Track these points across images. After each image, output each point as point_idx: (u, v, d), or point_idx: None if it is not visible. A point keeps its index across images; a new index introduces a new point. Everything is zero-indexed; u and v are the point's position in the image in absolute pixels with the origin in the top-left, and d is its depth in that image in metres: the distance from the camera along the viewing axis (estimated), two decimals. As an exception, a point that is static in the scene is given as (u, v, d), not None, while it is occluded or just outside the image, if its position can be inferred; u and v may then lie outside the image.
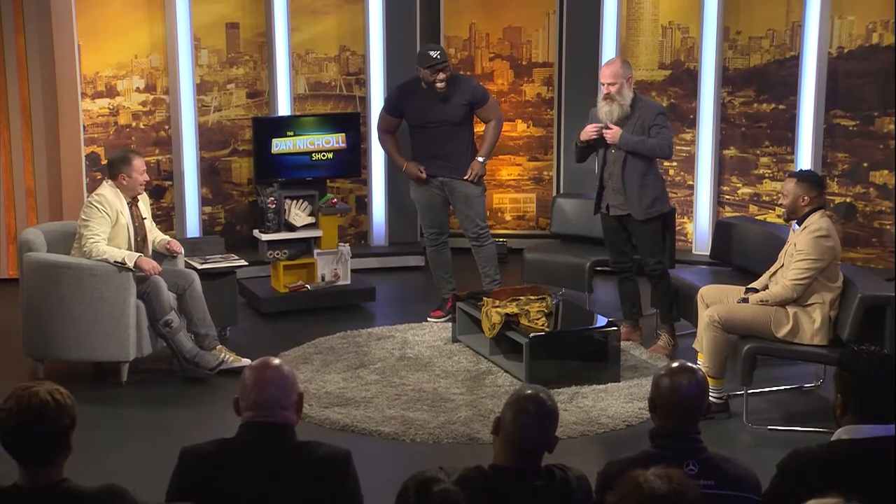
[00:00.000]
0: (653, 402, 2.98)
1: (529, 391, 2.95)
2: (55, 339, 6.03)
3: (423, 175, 6.99)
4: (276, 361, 2.98)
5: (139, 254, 6.06)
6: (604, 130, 6.30)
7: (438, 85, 6.81)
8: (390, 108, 7.15)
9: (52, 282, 5.99)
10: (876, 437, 2.88)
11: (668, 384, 2.94)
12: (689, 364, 3.02)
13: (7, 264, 8.00)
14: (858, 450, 2.87)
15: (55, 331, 6.01)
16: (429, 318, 7.09)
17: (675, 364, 3.02)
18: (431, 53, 6.82)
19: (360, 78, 8.52)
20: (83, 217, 6.06)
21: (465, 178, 6.97)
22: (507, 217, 9.07)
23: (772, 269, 5.71)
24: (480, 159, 7.03)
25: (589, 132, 6.36)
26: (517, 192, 9.03)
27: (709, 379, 5.53)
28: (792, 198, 5.56)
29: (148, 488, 4.93)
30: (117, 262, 5.93)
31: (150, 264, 6.01)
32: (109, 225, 6.05)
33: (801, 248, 5.44)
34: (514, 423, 2.87)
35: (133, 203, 6.23)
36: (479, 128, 7.22)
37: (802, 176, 5.66)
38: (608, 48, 8.45)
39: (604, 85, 6.33)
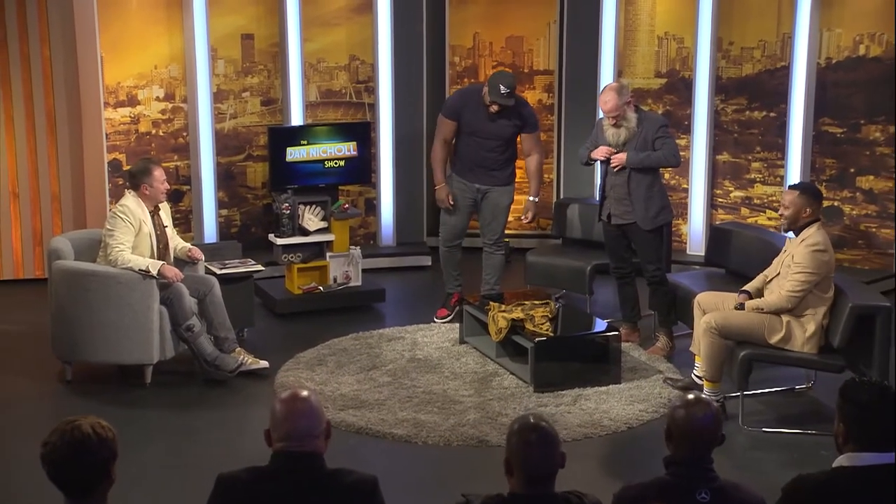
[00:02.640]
0: (668, 431, 2.97)
1: (530, 420, 2.91)
2: (82, 342, 6.04)
3: (451, 204, 7.05)
4: (305, 393, 2.98)
5: (162, 262, 6.05)
6: (611, 157, 6.32)
7: (491, 109, 6.86)
8: (450, 111, 7.07)
9: (79, 288, 5.99)
10: (877, 464, 2.88)
11: (683, 415, 2.94)
12: (704, 396, 3.03)
13: (34, 265, 7.99)
14: (860, 477, 2.87)
15: (83, 335, 6.02)
16: (435, 319, 7.08)
17: (690, 396, 3.02)
18: (501, 89, 6.79)
19: (369, 86, 8.50)
20: (108, 227, 6.06)
21: (523, 220, 7.23)
22: (510, 217, 9.02)
23: (768, 276, 5.71)
24: (533, 199, 7.15)
25: (599, 155, 6.42)
26: (519, 193, 8.91)
27: (706, 382, 5.55)
28: (794, 209, 5.52)
29: (172, 489, 4.98)
30: (141, 270, 5.93)
31: (172, 272, 6.01)
32: (133, 234, 6.04)
33: (798, 260, 5.42)
34: (520, 455, 2.86)
35: (155, 212, 6.23)
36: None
37: (805, 188, 5.63)
38: (606, 57, 8.45)
39: (609, 118, 6.32)
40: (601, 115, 6.57)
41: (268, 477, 2.91)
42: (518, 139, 7.14)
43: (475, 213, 7.19)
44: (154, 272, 5.94)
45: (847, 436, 2.92)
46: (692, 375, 5.73)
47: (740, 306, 5.59)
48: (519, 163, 7.38)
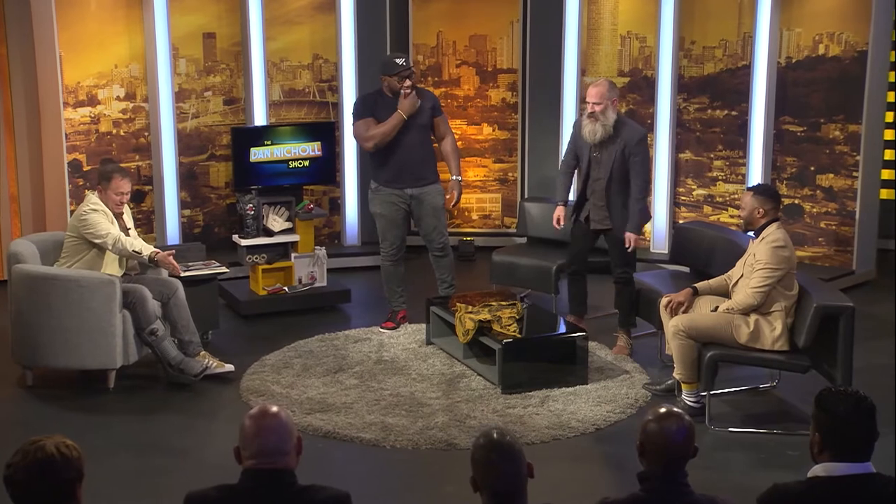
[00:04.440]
0: (641, 446, 2.91)
1: (493, 436, 2.82)
2: (44, 347, 5.90)
3: (418, 103, 6.61)
4: (274, 409, 2.89)
5: (152, 248, 6.11)
6: (626, 240, 6.27)
7: (406, 91, 6.58)
8: (366, 111, 6.68)
9: (40, 293, 5.85)
10: (853, 474, 2.84)
11: (655, 429, 2.88)
12: (677, 409, 2.96)
13: (-8, 267, 7.82)
14: (836, 487, 2.83)
15: (44, 340, 5.88)
16: (381, 328, 6.87)
17: (662, 409, 2.95)
18: (397, 61, 6.62)
19: (332, 84, 8.40)
20: (87, 225, 5.91)
21: (451, 203, 6.81)
22: (474, 216, 9.00)
23: (731, 278, 5.70)
24: (458, 178, 6.82)
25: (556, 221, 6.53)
26: (483, 192, 8.96)
27: (683, 384, 5.52)
28: (748, 210, 5.55)
29: (137, 498, 4.87)
30: (135, 251, 5.94)
31: (165, 259, 6.06)
32: (110, 222, 5.95)
33: (759, 257, 5.44)
34: (484, 473, 2.78)
35: (118, 215, 6.10)
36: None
37: (759, 190, 5.65)
38: (570, 56, 8.41)
39: (589, 104, 6.25)
40: (583, 120, 6.43)
41: (238, 495, 2.82)
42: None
43: (411, 219, 6.89)
44: (145, 256, 5.99)
45: (823, 445, 2.87)
46: (674, 376, 5.68)
47: (714, 309, 5.57)
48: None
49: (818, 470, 2.89)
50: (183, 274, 6.51)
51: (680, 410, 2.95)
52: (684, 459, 2.88)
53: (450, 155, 6.86)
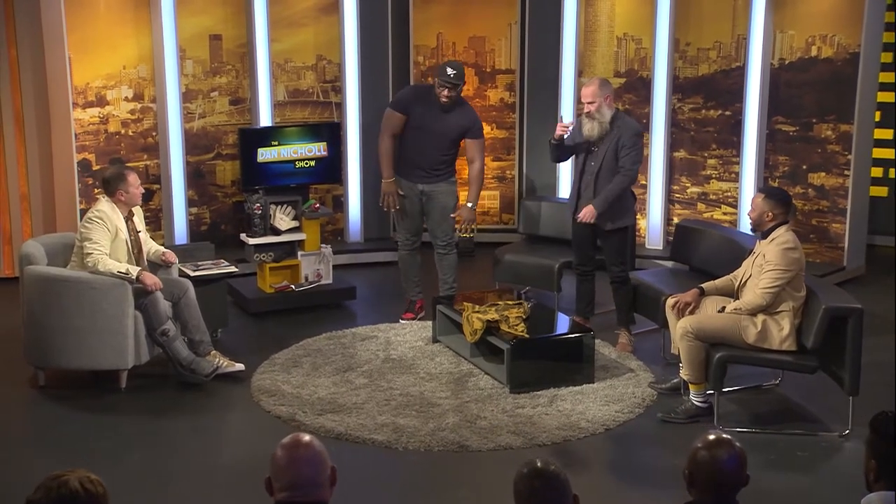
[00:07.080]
0: (690, 475, 2.61)
1: (537, 464, 2.53)
2: (56, 348, 5.59)
3: (396, 206, 6.60)
4: (307, 438, 2.59)
5: (139, 268, 5.60)
6: (578, 217, 6.01)
7: (442, 99, 6.41)
8: (400, 104, 6.58)
9: (52, 294, 5.53)
10: (909, 504, 2.57)
11: (706, 457, 2.59)
12: (727, 436, 2.67)
13: (3, 264, 7.48)
14: (892, 517, 2.56)
15: (56, 341, 5.56)
16: (401, 320, 6.68)
17: (711, 436, 2.66)
18: (448, 70, 6.41)
19: (335, 85, 8.07)
20: (84, 232, 5.58)
21: (458, 231, 6.64)
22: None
23: (737, 278, 5.43)
24: (470, 205, 6.62)
25: (559, 132, 6.08)
26: (482, 189, 8.63)
27: (690, 385, 5.26)
28: (758, 212, 5.28)
29: (146, 497, 4.56)
30: (120, 272, 5.49)
31: (151, 279, 5.56)
32: (110, 239, 5.59)
33: (769, 259, 5.17)
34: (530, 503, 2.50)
35: (129, 217, 5.77)
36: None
37: (770, 193, 5.37)
38: (567, 57, 8.11)
39: (584, 104, 6.00)
40: (582, 118, 6.17)
41: (270, 530, 2.53)
42: (462, 144, 6.67)
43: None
44: (133, 276, 5.51)
45: (879, 473, 2.60)
46: (680, 376, 5.41)
47: (721, 309, 5.30)
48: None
49: (873, 499, 2.61)
50: (193, 274, 6.21)
51: (730, 437, 2.66)
52: (736, 488, 2.60)
53: (472, 181, 6.67)
